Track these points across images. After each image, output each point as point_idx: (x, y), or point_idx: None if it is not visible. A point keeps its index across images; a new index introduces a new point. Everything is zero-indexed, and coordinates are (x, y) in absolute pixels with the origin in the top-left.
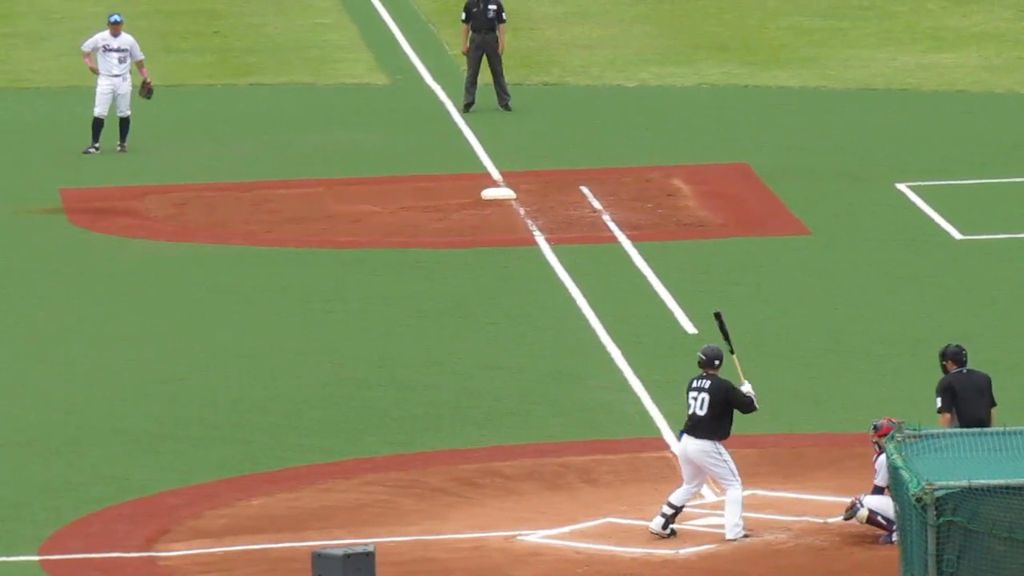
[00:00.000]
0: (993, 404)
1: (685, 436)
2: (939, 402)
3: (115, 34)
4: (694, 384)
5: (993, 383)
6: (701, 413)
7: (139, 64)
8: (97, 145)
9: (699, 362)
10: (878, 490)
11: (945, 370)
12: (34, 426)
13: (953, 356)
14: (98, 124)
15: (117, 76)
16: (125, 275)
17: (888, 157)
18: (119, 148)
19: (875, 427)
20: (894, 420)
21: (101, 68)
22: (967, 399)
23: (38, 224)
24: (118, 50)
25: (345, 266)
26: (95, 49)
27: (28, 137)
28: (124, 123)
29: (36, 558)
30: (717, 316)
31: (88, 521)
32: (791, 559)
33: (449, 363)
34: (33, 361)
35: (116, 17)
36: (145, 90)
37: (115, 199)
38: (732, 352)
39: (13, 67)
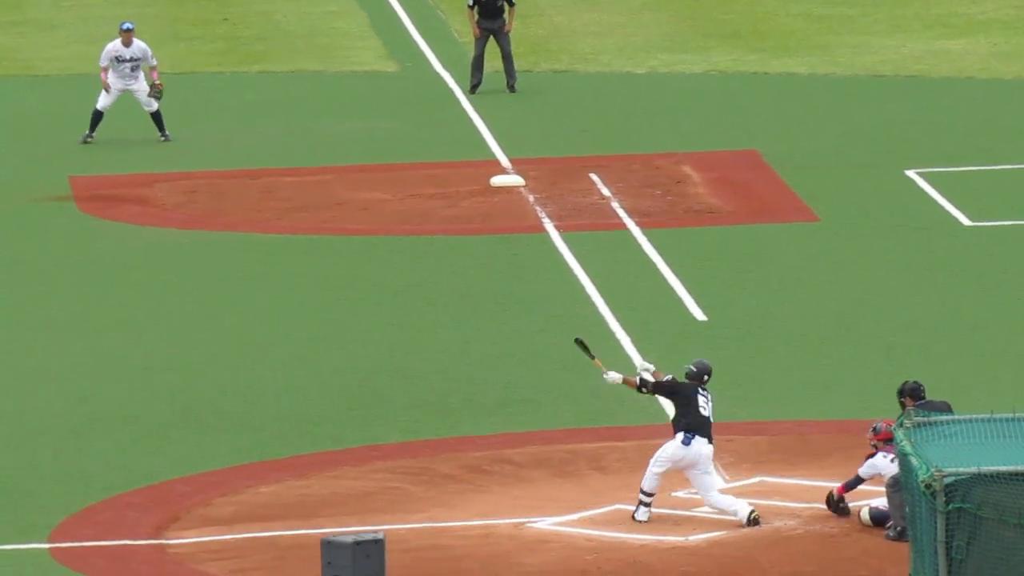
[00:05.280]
0: None
1: (697, 438)
2: None
3: (127, 43)
4: (700, 390)
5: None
6: (712, 418)
7: (151, 68)
8: (92, 136)
9: (688, 375)
10: (858, 480)
11: (903, 407)
12: (44, 414)
13: (911, 392)
14: (97, 116)
15: (131, 84)
16: (134, 263)
17: (897, 144)
18: (162, 139)
19: (875, 429)
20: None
21: (112, 77)
22: None
23: (48, 212)
24: (131, 60)
25: (354, 254)
26: (110, 61)
27: (38, 125)
28: (155, 117)
29: (46, 545)
30: (578, 342)
31: (98, 509)
32: (800, 546)
33: (458, 350)
34: (43, 349)
35: (128, 25)
36: (155, 91)
37: (124, 187)
38: (593, 358)
39: (24, 55)
